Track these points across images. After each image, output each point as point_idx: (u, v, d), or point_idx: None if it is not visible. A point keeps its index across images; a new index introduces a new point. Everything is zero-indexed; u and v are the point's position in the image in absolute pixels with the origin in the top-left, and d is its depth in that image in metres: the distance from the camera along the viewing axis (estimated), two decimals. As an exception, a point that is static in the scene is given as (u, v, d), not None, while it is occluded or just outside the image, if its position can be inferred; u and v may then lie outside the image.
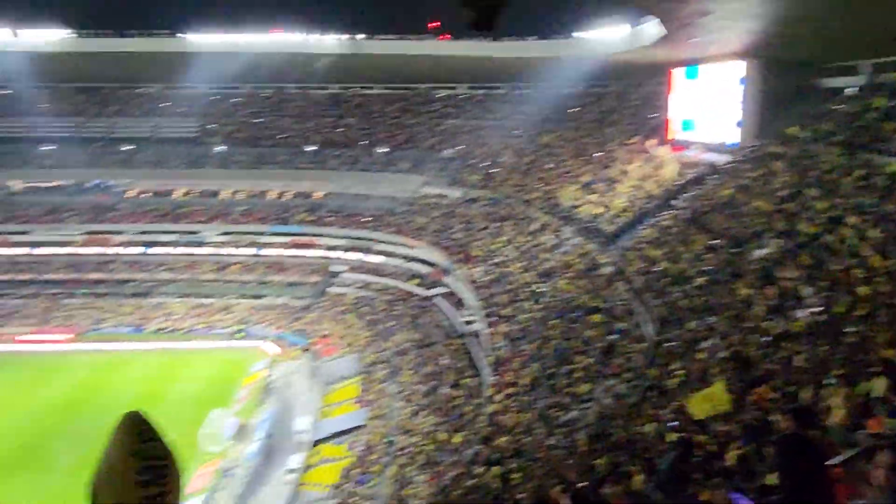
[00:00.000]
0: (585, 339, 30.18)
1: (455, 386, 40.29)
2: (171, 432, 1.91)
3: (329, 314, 61.06)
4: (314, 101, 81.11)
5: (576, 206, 46.96)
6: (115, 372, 51.93)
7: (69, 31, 67.28)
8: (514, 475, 20.50)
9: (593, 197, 46.71)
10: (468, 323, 46.14)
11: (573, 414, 24.39)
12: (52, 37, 67.76)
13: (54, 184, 72.92)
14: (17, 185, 72.59)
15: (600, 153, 54.88)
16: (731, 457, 10.04)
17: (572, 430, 22.60)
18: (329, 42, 67.78)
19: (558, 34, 59.04)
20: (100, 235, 69.30)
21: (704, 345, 20.44)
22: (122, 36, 69.61)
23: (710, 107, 43.84)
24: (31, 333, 60.55)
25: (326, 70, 72.07)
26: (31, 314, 63.30)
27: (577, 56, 55.38)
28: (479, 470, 23.51)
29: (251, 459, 39.05)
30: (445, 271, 55.42)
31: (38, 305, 64.45)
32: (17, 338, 59.60)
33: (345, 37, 67.63)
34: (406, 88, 78.20)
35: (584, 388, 26.04)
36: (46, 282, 66.69)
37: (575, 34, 56.24)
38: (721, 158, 40.48)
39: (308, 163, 74.30)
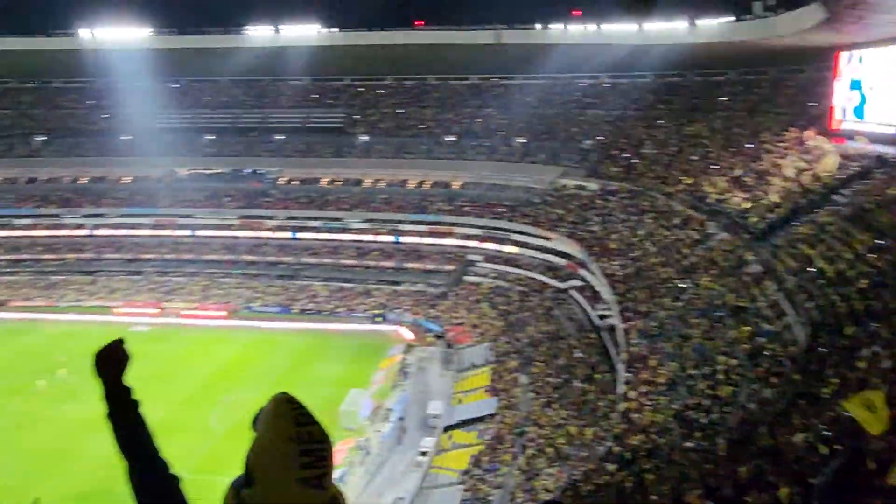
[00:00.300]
0: (729, 339, 28.75)
1: (588, 380, 39.66)
2: (314, 408, 2.01)
3: (464, 303, 61.88)
4: (454, 91, 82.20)
5: (722, 200, 44.67)
6: (264, 348, 55.26)
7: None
8: (648, 476, 19.94)
9: (742, 191, 44.24)
10: (603, 317, 45.21)
11: (713, 417, 23.35)
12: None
13: (214, 171, 78.63)
14: (182, 171, 78.88)
15: (751, 144, 51.80)
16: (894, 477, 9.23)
17: (712, 433, 21.65)
18: (471, 33, 68.44)
19: (707, 15, 56.17)
20: (253, 220, 73.99)
21: (864, 353, 18.88)
22: (278, 31, 73.99)
23: (882, 93, 40.15)
24: (193, 309, 65.76)
25: (465, 61, 72.75)
26: (193, 291, 68.67)
27: (730, 41, 52.54)
28: (611, 467, 23.08)
29: (385, 439, 40.36)
30: (581, 264, 54.56)
31: (198, 283, 69.78)
32: (181, 312, 64.98)
33: (487, 27, 68.04)
34: (547, 78, 77.53)
35: (726, 390, 24.84)
36: (206, 262, 72.10)
37: (725, 18, 53.36)
38: (890, 150, 37.03)
39: (447, 153, 75.54)
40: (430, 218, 70.59)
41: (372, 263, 70.09)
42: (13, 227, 75.13)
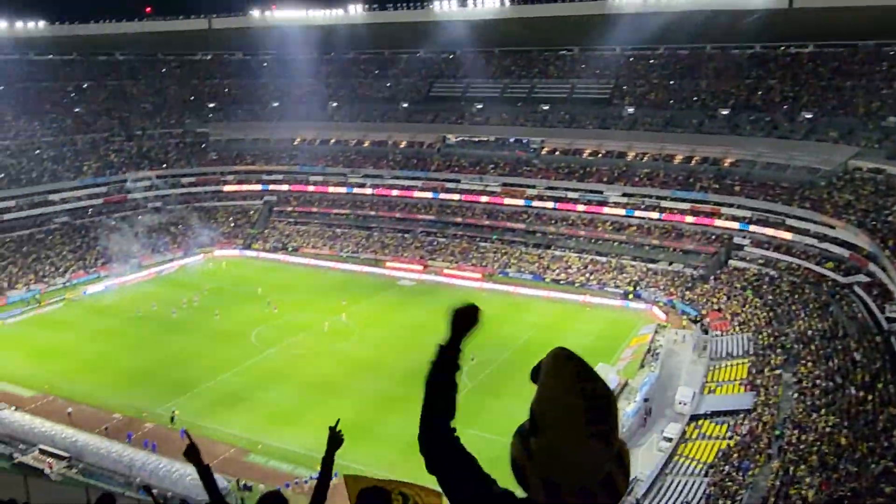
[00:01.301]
0: None
1: (867, 388, 35.11)
2: None
3: (725, 288, 57.98)
4: (733, 62, 76.27)
5: None
6: (514, 313, 56.91)
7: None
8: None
9: None
10: (892, 320, 39.54)
11: None
12: (491, 4, 75.29)
13: (481, 138, 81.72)
14: (451, 138, 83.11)
15: None
16: None
17: None
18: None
19: None
20: (514, 188, 75.77)
21: None
22: (551, 1, 74.10)
23: None
24: (453, 269, 69.61)
25: (752, 28, 66.71)
26: (454, 252, 72.62)
27: None
28: (888, 489, 20.28)
29: (628, 418, 39.56)
30: (870, 257, 48.08)
31: (459, 245, 73.58)
32: (443, 271, 69.14)
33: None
34: (846, 45, 68.62)
35: None
36: (467, 225, 75.60)
37: None
38: None
39: (719, 127, 70.58)
40: (696, 196, 66.76)
41: (628, 239, 68.35)
42: (308, 183, 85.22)
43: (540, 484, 1.86)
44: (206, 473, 4.01)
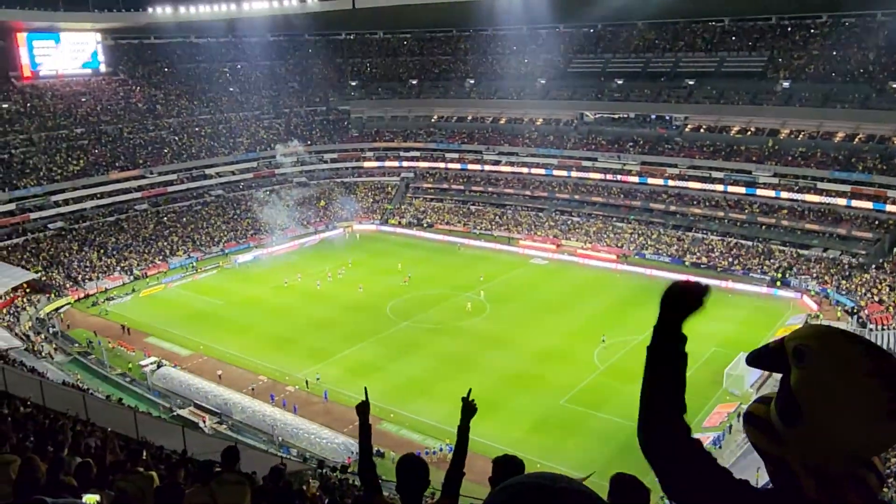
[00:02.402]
0: None
1: None
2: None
3: (889, 279, 53.25)
4: (909, 29, 69.13)
5: None
6: (648, 296, 55.12)
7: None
8: None
9: None
10: None
11: None
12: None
13: (620, 115, 79.38)
14: (589, 115, 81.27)
15: None
16: None
17: None
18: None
19: None
20: (654, 167, 73.15)
21: None
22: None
23: None
24: (586, 249, 68.39)
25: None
26: (588, 232, 71.32)
27: None
28: None
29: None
30: None
31: (594, 225, 72.17)
32: (577, 251, 68.18)
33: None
34: None
35: None
36: (603, 205, 73.93)
37: None
38: None
39: (888, 102, 64.32)
40: (858, 177, 61.53)
41: (778, 222, 64.18)
42: (444, 160, 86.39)
43: (809, 472, 1.73)
44: (366, 432, 4.41)
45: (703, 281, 1.97)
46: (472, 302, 54.99)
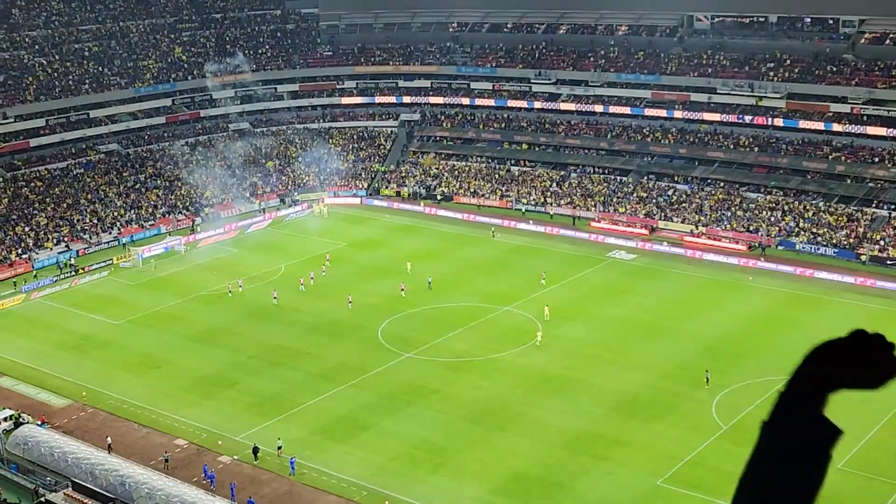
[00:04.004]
0: None
1: None
2: None
3: None
4: None
5: None
6: (801, 310, 54.22)
7: None
8: None
9: None
10: None
11: None
12: None
13: (752, 17, 78.08)
14: (703, 19, 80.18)
15: None
16: None
17: None
18: None
19: None
20: (809, 100, 71.59)
21: None
22: None
23: None
24: (698, 236, 67.40)
25: None
26: (701, 207, 69.99)
27: None
28: None
29: None
30: None
31: (711, 196, 70.86)
32: (684, 238, 67.22)
33: None
34: None
35: None
36: (726, 163, 72.57)
37: None
38: None
39: None
40: None
41: None
42: (469, 93, 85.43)
43: None
44: None
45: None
46: (521, 319, 54.29)
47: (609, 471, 39.50)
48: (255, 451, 41.48)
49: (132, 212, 73.69)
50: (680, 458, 40.11)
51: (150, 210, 74.20)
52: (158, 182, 76.86)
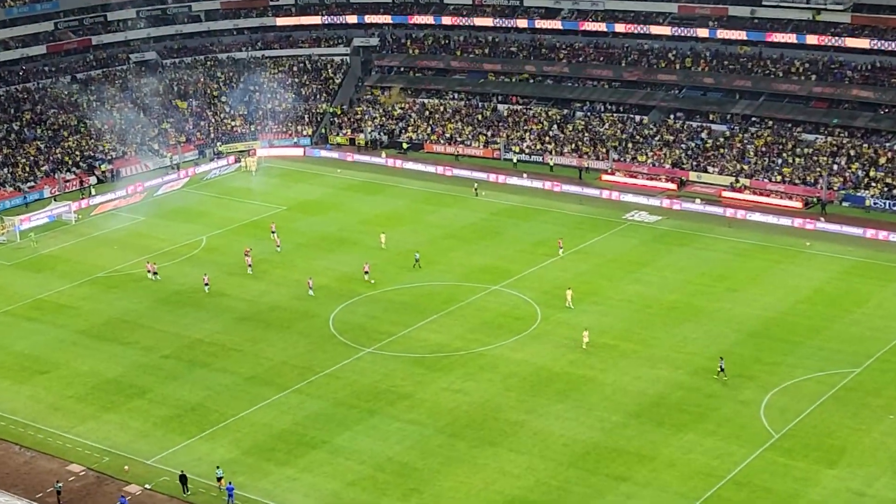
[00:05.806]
0: None
1: None
2: None
3: None
4: None
5: None
6: (878, 285, 54.64)
7: None
8: None
9: None
10: None
11: None
12: None
13: None
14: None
15: None
16: None
17: None
18: None
19: None
20: (887, 15, 72.10)
21: None
22: None
23: None
24: (738, 188, 67.91)
25: None
26: (742, 153, 70.53)
27: None
28: None
29: None
30: None
31: (756, 139, 71.53)
32: (721, 193, 67.58)
33: None
34: None
35: None
36: (774, 96, 73.10)
37: None
38: None
39: None
40: None
41: None
42: (443, 10, 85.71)
43: None
44: None
45: None
46: (521, 305, 54.48)
47: (629, 494, 39.53)
48: (183, 479, 41.25)
49: (5, 170, 73.27)
50: (720, 476, 40.11)
51: (29, 168, 73.78)
52: (39, 131, 76.18)
